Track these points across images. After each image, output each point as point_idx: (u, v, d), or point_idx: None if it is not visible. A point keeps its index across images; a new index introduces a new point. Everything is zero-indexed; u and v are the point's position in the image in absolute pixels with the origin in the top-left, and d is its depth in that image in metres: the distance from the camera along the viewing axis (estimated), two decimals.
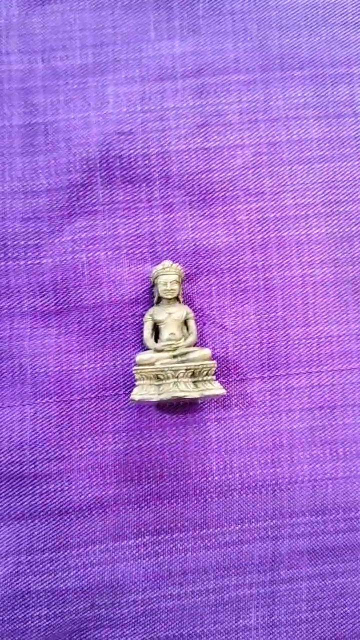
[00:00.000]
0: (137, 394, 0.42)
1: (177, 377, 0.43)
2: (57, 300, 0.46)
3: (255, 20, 0.49)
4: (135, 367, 0.43)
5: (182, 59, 0.48)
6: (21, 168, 0.47)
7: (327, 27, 0.49)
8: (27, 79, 0.48)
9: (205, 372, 0.43)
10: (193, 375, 0.43)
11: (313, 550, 0.45)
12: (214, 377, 0.44)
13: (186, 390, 0.42)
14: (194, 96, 0.48)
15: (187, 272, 0.47)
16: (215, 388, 0.43)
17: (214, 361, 0.43)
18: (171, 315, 0.45)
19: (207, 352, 0.44)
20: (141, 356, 0.43)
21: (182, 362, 0.43)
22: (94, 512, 0.44)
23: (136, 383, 0.43)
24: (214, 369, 0.43)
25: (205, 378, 0.43)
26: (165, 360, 0.43)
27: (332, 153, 0.48)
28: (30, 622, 0.43)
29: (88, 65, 0.48)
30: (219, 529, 0.45)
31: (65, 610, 0.43)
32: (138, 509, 0.45)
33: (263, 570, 0.45)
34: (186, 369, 0.43)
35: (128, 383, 0.46)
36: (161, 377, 0.43)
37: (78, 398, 0.45)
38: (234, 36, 0.49)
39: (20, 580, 0.43)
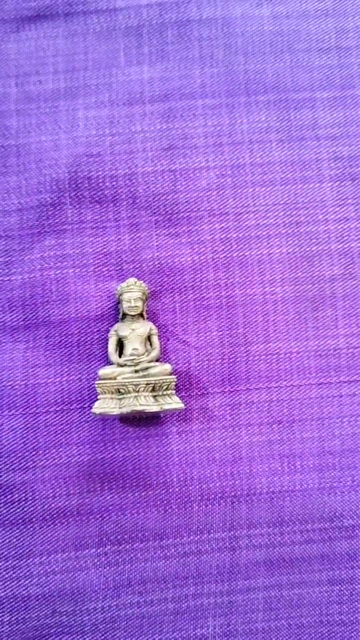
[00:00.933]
0: (98, 408, 0.44)
1: (137, 392, 0.44)
2: (25, 315, 0.48)
3: (221, 46, 0.51)
4: (97, 382, 0.44)
5: (150, 84, 0.50)
6: None
7: (291, 53, 0.51)
8: (1, 102, 0.50)
9: (165, 387, 0.45)
10: (153, 389, 0.45)
11: (270, 561, 0.46)
12: (174, 391, 0.45)
13: (146, 404, 0.44)
14: (161, 120, 0.50)
15: (151, 290, 0.48)
16: (174, 402, 0.45)
17: (174, 376, 0.45)
18: (135, 331, 0.46)
19: (167, 367, 0.45)
20: (104, 370, 0.45)
21: (143, 376, 0.45)
22: (56, 522, 0.46)
23: (98, 397, 0.45)
24: (173, 383, 0.45)
25: (165, 392, 0.45)
26: (126, 375, 0.45)
27: (294, 175, 0.50)
28: None
29: (60, 90, 0.50)
30: (178, 539, 0.46)
31: (27, 617, 0.45)
32: (100, 519, 0.46)
33: (221, 580, 0.46)
34: (146, 384, 0.44)
35: (93, 397, 0.47)
36: (122, 391, 0.45)
37: (44, 411, 0.47)
38: (201, 62, 0.51)
39: None
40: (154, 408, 0.44)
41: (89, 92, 0.50)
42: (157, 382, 0.45)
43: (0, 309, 0.48)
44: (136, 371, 0.45)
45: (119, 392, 0.45)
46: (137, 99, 0.50)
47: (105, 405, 0.44)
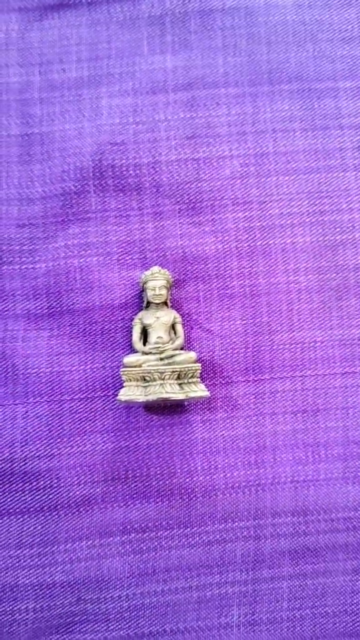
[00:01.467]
0: (123, 395, 0.44)
1: (162, 379, 0.44)
2: (49, 303, 0.48)
3: (244, 36, 0.51)
4: (122, 369, 0.44)
5: (174, 73, 0.50)
6: (18, 176, 0.49)
7: (314, 42, 0.51)
8: (25, 90, 0.50)
9: (190, 375, 0.45)
10: (179, 377, 0.45)
11: (294, 550, 0.46)
12: (199, 379, 0.45)
13: (171, 391, 0.44)
14: (185, 109, 0.50)
15: (175, 278, 0.48)
16: (199, 390, 0.44)
17: (199, 364, 0.45)
18: (159, 320, 0.46)
19: (192, 355, 0.45)
20: (129, 358, 0.45)
21: (168, 364, 0.45)
22: (81, 509, 0.46)
23: (123, 384, 0.45)
24: (198, 371, 0.45)
25: (190, 380, 0.45)
26: (152, 363, 0.45)
27: (318, 164, 0.50)
28: (17, 615, 0.44)
29: (83, 78, 0.50)
30: (202, 527, 0.46)
31: (52, 604, 0.45)
32: (125, 507, 0.46)
33: (245, 569, 0.46)
34: (172, 371, 0.44)
35: (117, 385, 0.47)
36: (147, 378, 0.45)
37: (68, 398, 0.47)
38: (224, 51, 0.51)
39: (8, 574, 0.45)
40: (180, 396, 0.44)
41: (113, 80, 0.50)
42: (182, 369, 0.45)
43: (24, 296, 0.48)
44: (161, 359, 0.45)
45: (144, 379, 0.45)
46: (160, 88, 0.50)
47: (131, 392, 0.44)
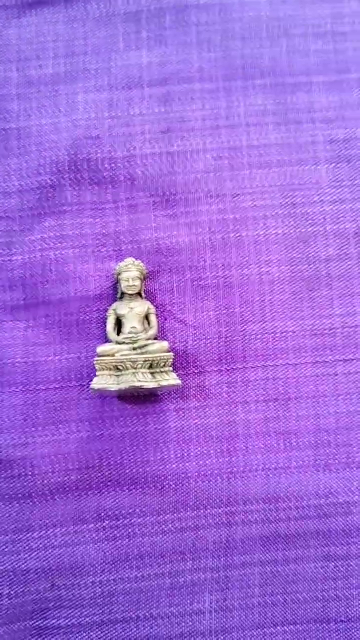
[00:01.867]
0: (96, 384, 0.45)
1: (135, 368, 0.45)
2: (25, 295, 0.48)
3: (219, 31, 0.52)
4: (96, 358, 0.45)
5: (149, 68, 0.51)
6: None
7: (288, 37, 0.52)
8: (2, 86, 0.51)
9: (162, 364, 0.46)
10: (151, 366, 0.46)
11: (266, 537, 0.47)
12: (171, 368, 0.46)
13: (143, 380, 0.45)
14: (159, 103, 0.51)
15: (149, 270, 0.49)
16: (171, 379, 0.45)
17: (171, 353, 0.46)
18: (133, 310, 0.47)
19: (164, 344, 0.46)
20: (102, 348, 0.46)
21: (142, 354, 0.46)
22: (56, 497, 0.46)
23: (96, 373, 0.45)
24: (170, 360, 0.46)
25: (162, 369, 0.46)
26: (125, 352, 0.46)
27: (290, 158, 0.50)
28: None
29: (60, 74, 0.51)
30: (175, 514, 0.47)
31: (26, 590, 0.45)
32: (98, 494, 0.47)
33: (217, 556, 0.47)
34: (144, 360, 0.45)
35: (91, 374, 0.48)
36: (120, 367, 0.45)
37: (43, 388, 0.47)
38: (199, 47, 0.52)
39: None
40: (152, 384, 0.45)
41: (89, 76, 0.51)
42: (154, 358, 0.45)
43: (1, 288, 0.48)
44: (134, 349, 0.46)
45: (117, 369, 0.45)
46: (135, 83, 0.51)
47: (104, 381, 0.45)
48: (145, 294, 0.49)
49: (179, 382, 0.45)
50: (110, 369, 0.45)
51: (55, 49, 0.51)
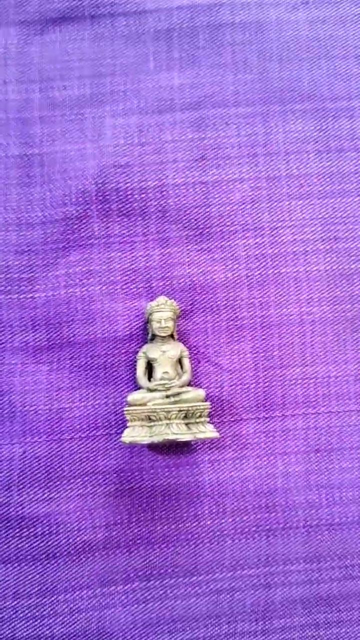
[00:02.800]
0: (128, 436, 0.41)
1: (169, 419, 0.42)
2: (49, 335, 0.45)
3: (255, 52, 0.48)
4: (126, 408, 0.42)
5: (181, 91, 0.48)
6: (16, 199, 0.46)
7: (329, 60, 0.49)
8: (24, 109, 0.47)
9: (198, 414, 0.42)
10: (186, 416, 0.42)
11: (307, 599, 0.44)
12: (208, 419, 0.42)
13: (178, 432, 0.41)
14: (193, 129, 0.47)
15: (182, 308, 0.46)
16: (208, 431, 0.42)
17: (208, 402, 0.42)
18: (165, 354, 0.44)
19: (201, 392, 0.43)
20: (133, 396, 0.42)
21: (175, 402, 0.42)
22: (82, 557, 0.43)
23: (127, 424, 0.42)
24: (207, 410, 0.42)
25: (198, 420, 0.42)
26: (157, 401, 0.42)
27: (332, 188, 0.47)
28: None
29: (86, 96, 0.47)
30: (210, 575, 0.43)
31: None
32: (127, 553, 0.43)
33: (255, 619, 0.43)
34: (179, 410, 0.42)
35: (120, 422, 0.44)
36: (153, 418, 0.42)
37: (68, 437, 0.44)
38: (234, 68, 0.48)
39: (5, 626, 0.42)
40: (187, 437, 0.41)
41: (117, 98, 0.47)
42: (190, 408, 0.42)
43: (23, 328, 0.45)
44: (167, 396, 0.43)
45: (149, 419, 0.42)
46: (167, 107, 0.47)
47: (135, 433, 0.41)
48: (177, 335, 0.45)
49: (216, 434, 0.42)
50: (142, 419, 0.42)
51: (80, 69, 0.48)
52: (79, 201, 0.46)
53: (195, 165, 0.47)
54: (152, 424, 0.42)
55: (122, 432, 0.44)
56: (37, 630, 0.42)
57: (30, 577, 0.42)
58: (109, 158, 0.46)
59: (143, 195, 0.46)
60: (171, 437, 0.41)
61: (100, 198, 0.46)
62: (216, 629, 0.43)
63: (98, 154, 0.47)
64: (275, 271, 0.46)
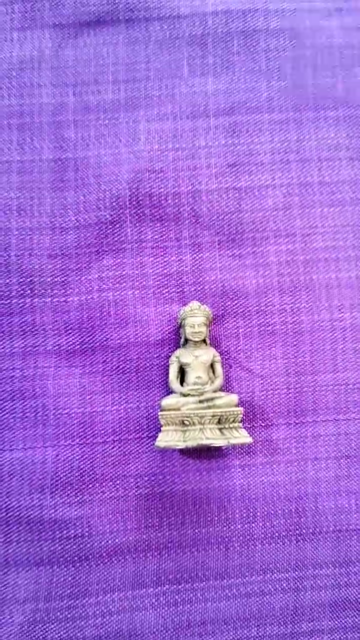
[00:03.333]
0: (162, 441, 0.42)
1: (202, 424, 0.42)
2: (82, 339, 0.45)
3: (289, 59, 0.49)
4: (160, 412, 0.42)
5: (215, 97, 0.48)
6: (50, 204, 0.46)
7: None
8: (59, 112, 0.47)
9: (231, 419, 0.42)
10: (219, 421, 0.42)
11: (335, 603, 0.44)
12: (241, 424, 0.43)
13: (212, 437, 0.42)
14: (226, 135, 0.47)
15: (214, 314, 0.46)
16: (241, 436, 0.42)
17: (241, 408, 0.43)
18: (198, 358, 0.44)
19: (234, 398, 0.43)
20: (167, 401, 0.43)
21: (208, 407, 0.42)
22: (113, 559, 0.43)
23: (161, 429, 0.42)
24: (240, 415, 0.43)
25: (231, 425, 0.42)
26: (191, 406, 0.42)
27: None
28: None
29: (120, 101, 0.48)
30: (240, 579, 0.44)
31: None
32: (158, 556, 0.44)
33: (284, 622, 0.44)
34: (212, 416, 0.42)
35: (152, 426, 0.45)
36: (187, 422, 0.42)
37: (101, 441, 0.44)
38: (268, 74, 0.48)
39: (37, 627, 0.42)
40: (221, 442, 0.42)
41: (151, 103, 0.47)
42: (223, 414, 0.42)
43: (56, 331, 0.45)
44: (200, 401, 0.43)
45: (183, 423, 0.42)
46: (201, 112, 0.48)
47: (169, 438, 0.42)
48: (209, 339, 0.46)
49: (250, 439, 0.42)
50: (175, 424, 0.42)
51: (115, 73, 0.48)
52: (113, 206, 0.46)
53: (228, 171, 0.47)
54: (185, 428, 0.42)
55: (153, 435, 0.44)
56: (69, 632, 0.42)
57: (62, 579, 0.43)
58: (143, 163, 0.47)
59: (176, 201, 0.46)
60: (205, 442, 0.41)
61: (134, 203, 0.46)
62: (245, 631, 0.43)
63: (132, 159, 0.47)
64: (307, 277, 0.46)
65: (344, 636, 0.44)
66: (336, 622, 0.44)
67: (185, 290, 0.46)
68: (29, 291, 0.45)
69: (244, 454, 0.45)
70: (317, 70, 0.49)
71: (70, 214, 0.46)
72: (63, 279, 0.46)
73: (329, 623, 0.44)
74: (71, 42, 0.48)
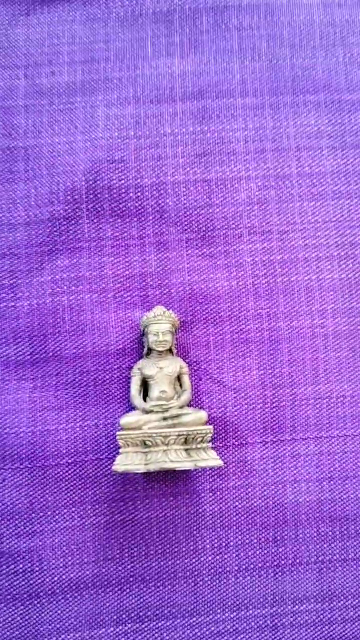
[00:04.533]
0: (120, 464, 0.37)
1: (167, 444, 0.37)
2: (32, 349, 0.40)
3: (264, 37, 0.44)
4: (119, 432, 0.37)
5: (182, 79, 0.43)
6: None
7: (345, 47, 0.44)
8: (7, 97, 0.43)
9: (199, 439, 0.38)
10: (185, 441, 0.38)
11: None
12: (210, 444, 0.38)
13: (177, 460, 0.37)
14: (194, 121, 0.43)
15: (182, 320, 0.41)
16: (210, 458, 0.37)
17: (210, 426, 0.38)
18: (162, 370, 0.39)
19: (202, 415, 0.38)
20: (126, 419, 0.38)
21: (174, 425, 0.38)
22: (68, 596, 0.39)
23: (120, 450, 0.37)
24: (210, 435, 0.38)
25: (199, 445, 0.38)
26: (154, 424, 0.38)
27: (348, 188, 0.43)
28: None
29: (76, 84, 0.43)
30: (211, 616, 0.39)
31: None
32: (119, 592, 0.39)
33: None
34: (178, 435, 0.37)
35: (111, 446, 0.40)
36: (149, 443, 0.37)
37: (53, 463, 0.39)
38: (241, 55, 0.44)
39: None
40: (187, 465, 0.37)
41: (111, 87, 0.43)
42: (190, 433, 0.38)
43: (3, 340, 0.40)
44: (165, 419, 0.38)
45: (145, 444, 0.38)
46: (166, 96, 0.43)
47: (129, 461, 0.37)
48: (176, 349, 0.41)
49: (220, 462, 0.37)
50: (136, 445, 0.38)
51: (70, 54, 0.43)
52: (68, 200, 0.41)
53: (197, 161, 0.42)
54: (147, 449, 0.38)
55: (113, 457, 0.40)
56: None
57: (9, 618, 0.38)
58: (102, 152, 0.42)
59: (139, 194, 0.42)
60: (169, 465, 0.37)
61: (92, 196, 0.42)
62: None
63: (90, 148, 0.42)
64: (285, 279, 0.42)
65: None
66: None
67: (149, 293, 0.41)
68: None
69: (215, 476, 0.40)
70: (295, 50, 0.44)
71: (20, 209, 0.41)
72: (11, 282, 0.41)
73: None
74: (22, 20, 0.44)
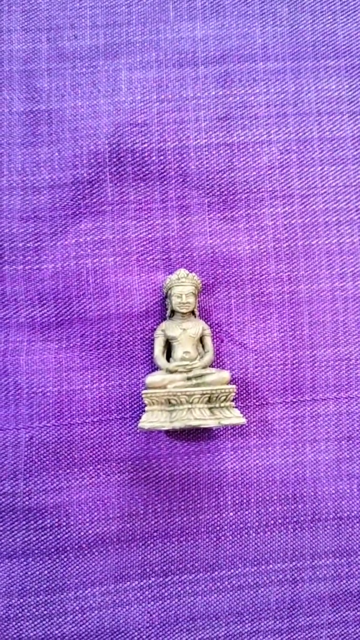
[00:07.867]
0: (146, 422, 0.38)
1: (191, 403, 0.38)
2: (57, 310, 0.41)
3: (286, 2, 0.44)
4: (144, 391, 0.38)
5: (204, 43, 0.43)
6: (21, 161, 0.42)
7: None
8: (30, 60, 0.43)
9: (223, 398, 0.39)
10: (209, 400, 0.39)
11: (336, 595, 0.41)
12: (233, 403, 0.39)
13: (201, 418, 0.38)
14: (217, 85, 0.43)
15: (204, 283, 0.42)
16: (234, 416, 0.38)
17: (233, 385, 0.39)
18: (186, 332, 0.40)
19: (225, 375, 0.39)
20: (152, 378, 0.39)
21: (197, 385, 0.39)
22: (94, 551, 0.40)
23: (145, 409, 0.38)
24: (232, 394, 0.39)
25: (222, 404, 0.39)
26: (178, 383, 0.39)
27: None
28: None
29: (99, 47, 0.43)
30: (232, 570, 0.40)
31: None
32: (143, 547, 0.40)
33: (280, 617, 0.40)
34: (202, 394, 0.38)
35: (135, 405, 0.41)
36: (173, 402, 0.38)
37: (79, 422, 0.40)
38: (262, 19, 0.44)
39: (11, 625, 0.39)
40: (211, 423, 0.38)
41: (133, 50, 0.43)
42: (213, 392, 0.38)
43: (29, 302, 0.41)
44: (189, 378, 0.39)
45: (170, 402, 0.38)
46: (188, 60, 0.43)
47: (155, 418, 0.38)
48: (198, 311, 0.42)
49: (243, 420, 0.38)
50: (161, 404, 0.38)
51: (93, 17, 0.43)
52: (91, 163, 0.42)
53: (219, 125, 0.43)
54: (172, 408, 0.38)
55: (137, 416, 0.41)
56: (46, 629, 0.39)
57: (38, 572, 0.39)
58: (125, 116, 0.42)
59: (161, 158, 0.42)
60: (194, 423, 0.37)
61: (115, 160, 0.42)
62: (238, 627, 0.40)
63: (112, 111, 0.42)
64: (306, 243, 0.42)
65: (345, 630, 0.41)
66: (336, 615, 0.41)
67: (171, 257, 0.42)
68: None
69: (237, 435, 0.41)
70: (316, 15, 0.44)
71: (44, 173, 0.42)
72: (36, 245, 0.41)
73: (329, 617, 0.41)
74: None
